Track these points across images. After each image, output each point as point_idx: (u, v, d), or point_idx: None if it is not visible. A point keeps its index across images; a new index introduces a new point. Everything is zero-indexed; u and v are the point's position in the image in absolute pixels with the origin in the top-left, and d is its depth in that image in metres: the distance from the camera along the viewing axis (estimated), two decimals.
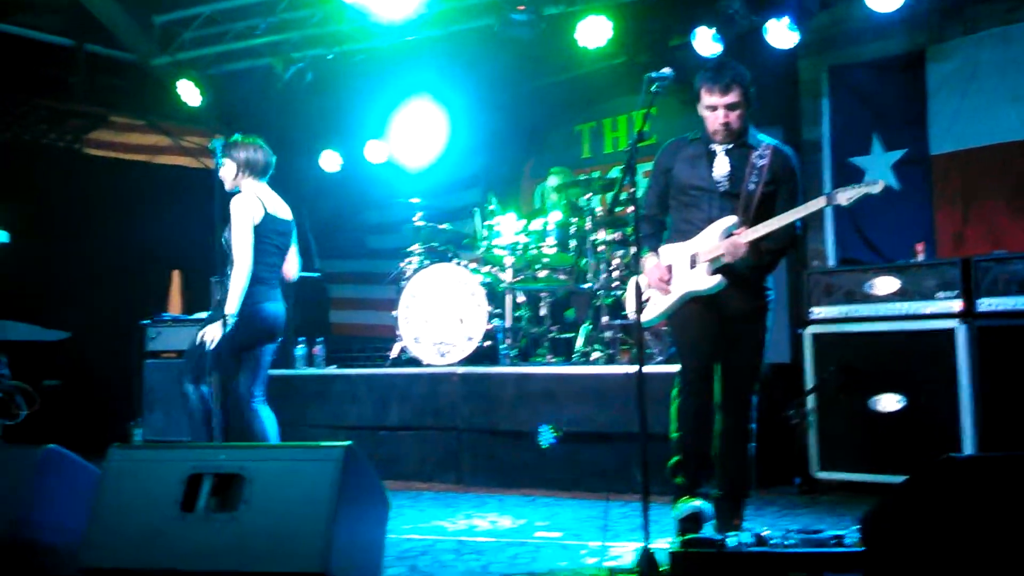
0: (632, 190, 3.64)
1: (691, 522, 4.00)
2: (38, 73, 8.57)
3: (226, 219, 4.79)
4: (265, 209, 4.93)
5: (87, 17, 8.24)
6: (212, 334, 4.71)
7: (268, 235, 4.93)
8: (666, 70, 3.76)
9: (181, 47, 8.20)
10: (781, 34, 6.49)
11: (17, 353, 6.68)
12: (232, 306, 4.71)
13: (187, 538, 3.17)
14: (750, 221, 4.04)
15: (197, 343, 4.78)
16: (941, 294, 5.16)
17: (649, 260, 4.21)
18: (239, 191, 4.95)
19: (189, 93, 8.23)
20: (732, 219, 4.06)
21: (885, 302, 5.35)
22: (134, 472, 3.38)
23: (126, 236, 5.93)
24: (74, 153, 8.78)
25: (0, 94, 8.25)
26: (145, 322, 8.39)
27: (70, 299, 6.24)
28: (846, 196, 3.90)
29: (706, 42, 6.70)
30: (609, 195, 6.96)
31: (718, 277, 4.05)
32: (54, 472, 3.55)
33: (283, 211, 5.06)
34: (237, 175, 4.99)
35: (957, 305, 5.09)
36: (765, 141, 4.16)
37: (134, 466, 3.41)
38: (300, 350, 7.56)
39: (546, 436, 5.80)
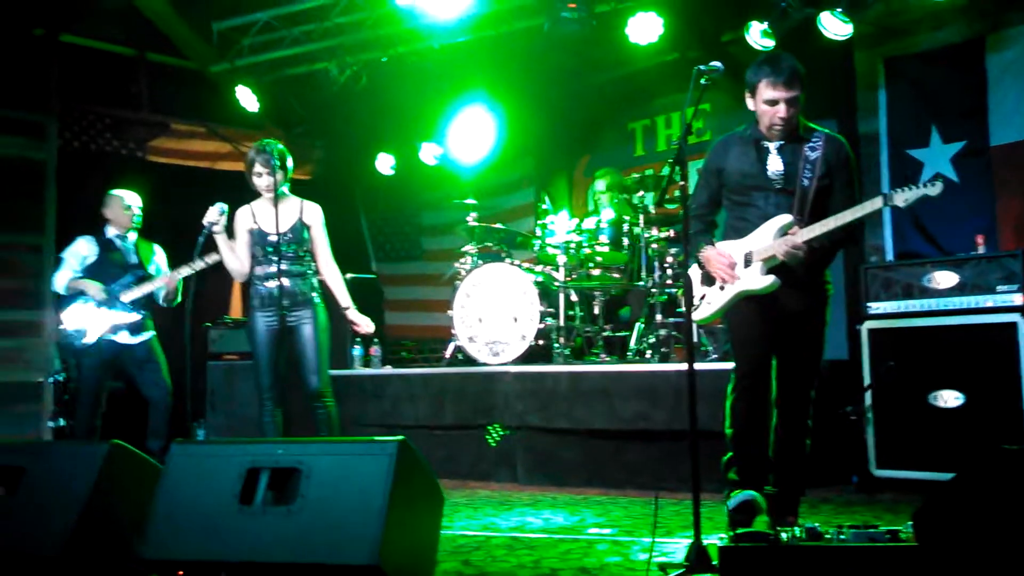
0: (683, 184, 3.60)
1: (743, 512, 3.96)
2: (102, 83, 8.81)
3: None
4: None
5: (148, 27, 8.45)
6: None
7: None
8: (715, 63, 3.70)
9: (239, 54, 8.35)
10: (836, 25, 6.40)
11: None
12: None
13: (245, 531, 3.24)
14: (805, 218, 3.98)
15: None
16: (1002, 287, 5.06)
17: (709, 250, 4.15)
18: None
19: (247, 99, 8.39)
20: (787, 218, 3.99)
21: (944, 296, 5.26)
22: (194, 467, 3.47)
23: (188, 241, 6.07)
24: (137, 160, 9.00)
25: (66, 104, 8.50)
26: (207, 324, 8.58)
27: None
28: (903, 198, 3.79)
29: (759, 36, 6.62)
30: (658, 191, 6.92)
31: (771, 277, 4.00)
32: (118, 467, 3.65)
33: None
34: None
35: (1018, 299, 4.98)
36: (817, 131, 4.11)
37: (194, 461, 3.49)
38: (357, 351, 7.65)
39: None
